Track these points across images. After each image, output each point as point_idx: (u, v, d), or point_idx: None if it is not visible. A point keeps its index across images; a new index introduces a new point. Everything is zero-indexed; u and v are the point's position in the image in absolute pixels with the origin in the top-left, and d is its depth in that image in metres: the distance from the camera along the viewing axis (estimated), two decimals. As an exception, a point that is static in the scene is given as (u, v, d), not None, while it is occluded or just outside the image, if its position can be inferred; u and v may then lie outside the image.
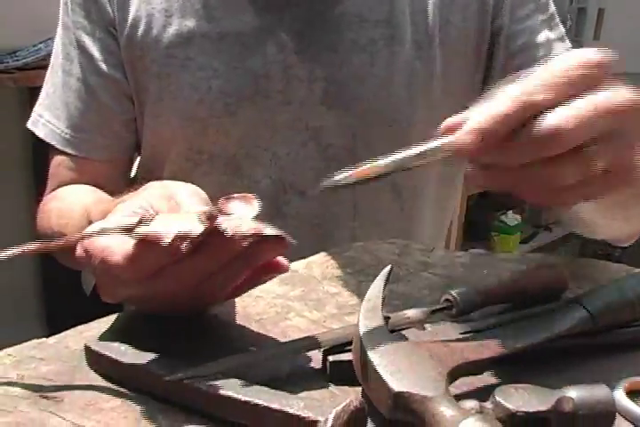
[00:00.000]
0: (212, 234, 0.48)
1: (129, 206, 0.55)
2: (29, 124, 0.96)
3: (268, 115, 0.88)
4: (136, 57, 0.89)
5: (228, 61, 0.86)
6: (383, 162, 0.47)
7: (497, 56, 0.91)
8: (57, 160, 0.95)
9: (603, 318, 0.54)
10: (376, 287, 0.52)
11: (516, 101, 0.45)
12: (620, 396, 0.48)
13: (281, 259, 0.53)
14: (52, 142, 0.93)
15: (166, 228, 0.47)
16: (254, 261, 0.52)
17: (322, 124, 0.88)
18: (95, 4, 0.89)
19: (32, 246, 0.50)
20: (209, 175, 0.91)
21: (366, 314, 0.49)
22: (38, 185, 2.24)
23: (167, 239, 0.46)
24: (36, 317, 2.34)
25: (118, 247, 0.50)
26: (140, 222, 0.48)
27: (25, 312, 2.32)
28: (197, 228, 0.47)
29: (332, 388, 0.50)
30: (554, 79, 0.45)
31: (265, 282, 0.55)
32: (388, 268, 0.54)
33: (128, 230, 0.48)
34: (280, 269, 0.53)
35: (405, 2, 0.88)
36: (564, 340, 0.53)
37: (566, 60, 0.46)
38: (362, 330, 0.47)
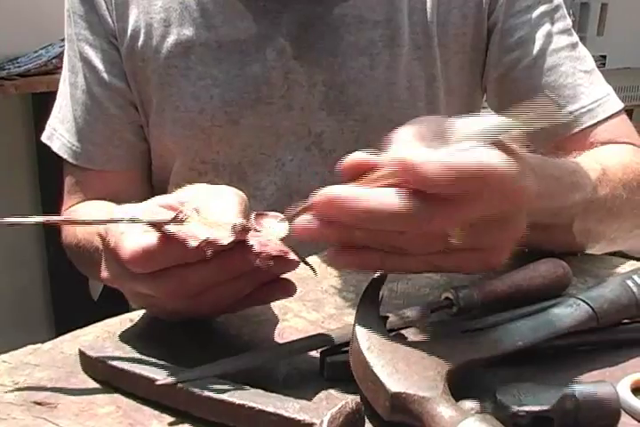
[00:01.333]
0: (236, 247, 0.48)
1: (165, 198, 0.54)
2: (44, 138, 0.94)
3: (270, 121, 0.87)
4: (138, 67, 0.88)
5: (227, 70, 0.85)
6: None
7: (491, 52, 0.89)
8: (72, 177, 0.93)
9: (606, 314, 0.52)
10: (372, 286, 0.52)
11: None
12: (624, 393, 0.47)
13: (289, 283, 0.53)
14: (65, 156, 0.92)
15: (197, 231, 0.47)
16: (263, 279, 0.52)
17: (323, 130, 0.87)
18: (96, 16, 0.88)
19: (55, 218, 0.52)
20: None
21: (363, 314, 0.48)
22: (42, 190, 2.25)
23: (194, 242, 0.46)
24: (43, 322, 2.34)
25: (137, 236, 0.49)
26: (173, 219, 0.47)
27: (32, 317, 2.32)
28: (227, 237, 0.47)
29: (330, 389, 0.49)
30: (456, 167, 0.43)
31: (267, 302, 0.55)
32: (385, 266, 0.53)
33: (158, 225, 0.48)
34: (286, 292, 0.53)
35: (404, 1, 0.87)
36: (567, 337, 0.52)
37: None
38: (358, 330, 0.46)
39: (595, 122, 0.87)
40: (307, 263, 0.51)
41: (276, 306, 0.61)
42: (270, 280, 0.52)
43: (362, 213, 0.44)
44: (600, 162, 0.72)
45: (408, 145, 0.48)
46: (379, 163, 0.46)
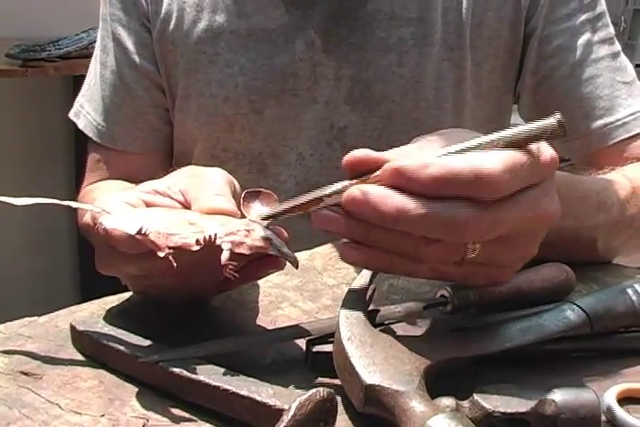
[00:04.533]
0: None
1: (152, 184, 0.55)
2: (71, 115, 0.96)
3: (293, 113, 0.87)
4: (167, 51, 0.89)
5: (255, 59, 0.85)
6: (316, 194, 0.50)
7: (528, 58, 0.88)
8: (95, 155, 0.95)
9: (601, 321, 0.52)
10: (362, 278, 0.51)
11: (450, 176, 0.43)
12: (610, 402, 0.46)
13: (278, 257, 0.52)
14: (90, 134, 0.93)
15: (165, 239, 0.46)
16: (249, 278, 0.52)
17: (346, 125, 0.87)
18: None
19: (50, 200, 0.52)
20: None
21: (348, 304, 0.48)
22: (80, 173, 2.27)
23: (162, 253, 0.46)
24: (70, 296, 2.37)
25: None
26: (138, 233, 0.46)
27: (61, 292, 2.36)
28: (194, 246, 0.46)
29: (314, 379, 0.49)
30: (498, 172, 0.43)
31: (260, 278, 0.55)
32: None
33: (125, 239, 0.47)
34: (276, 266, 0.52)
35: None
36: (560, 342, 0.51)
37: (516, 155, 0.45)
38: (342, 320, 0.46)
39: (629, 136, 0.85)
40: (286, 256, 0.49)
41: (274, 294, 0.61)
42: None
43: (399, 215, 0.44)
44: (631, 179, 0.71)
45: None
46: (380, 161, 0.47)
